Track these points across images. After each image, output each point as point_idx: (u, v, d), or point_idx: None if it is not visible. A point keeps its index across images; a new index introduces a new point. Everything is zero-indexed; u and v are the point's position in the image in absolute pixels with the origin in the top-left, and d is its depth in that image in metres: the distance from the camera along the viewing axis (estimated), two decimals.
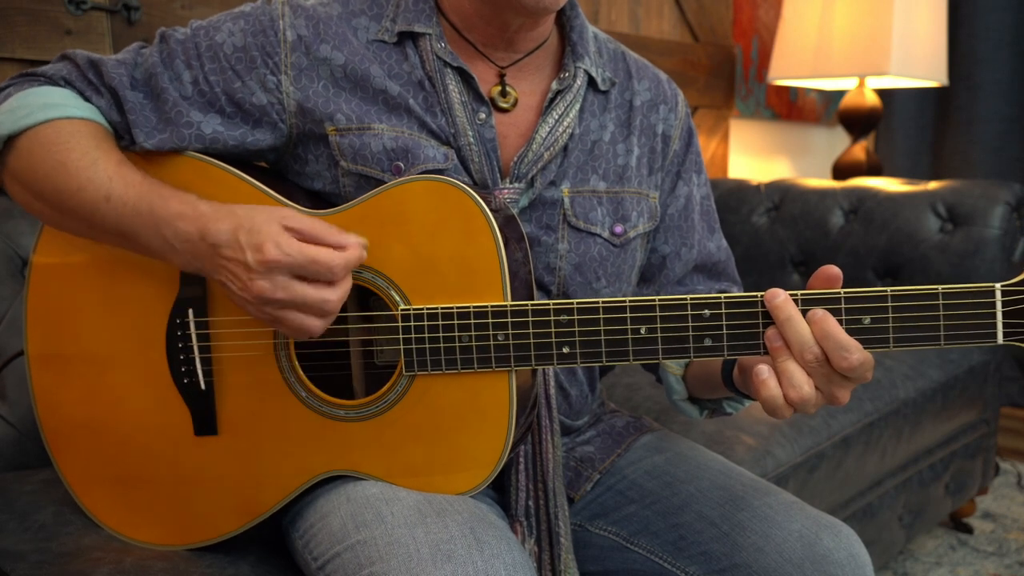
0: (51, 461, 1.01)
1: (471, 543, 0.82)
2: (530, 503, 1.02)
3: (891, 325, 0.81)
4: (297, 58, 0.97)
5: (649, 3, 2.56)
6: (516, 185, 0.99)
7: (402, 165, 0.97)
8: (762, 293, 0.83)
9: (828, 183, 2.40)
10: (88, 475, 1.00)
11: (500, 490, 1.05)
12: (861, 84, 2.66)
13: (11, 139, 0.93)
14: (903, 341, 0.81)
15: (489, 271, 0.88)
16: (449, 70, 0.98)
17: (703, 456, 1.12)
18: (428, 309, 0.88)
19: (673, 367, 1.06)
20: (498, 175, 0.99)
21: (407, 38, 0.99)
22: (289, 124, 0.98)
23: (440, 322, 0.88)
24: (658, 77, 1.13)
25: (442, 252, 0.88)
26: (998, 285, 0.80)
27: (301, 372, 0.93)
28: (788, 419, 1.59)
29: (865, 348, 0.81)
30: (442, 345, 0.88)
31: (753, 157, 3.04)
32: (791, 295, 0.82)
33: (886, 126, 3.30)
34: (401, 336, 0.89)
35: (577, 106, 1.03)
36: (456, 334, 0.88)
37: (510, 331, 0.87)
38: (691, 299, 0.84)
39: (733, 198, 2.47)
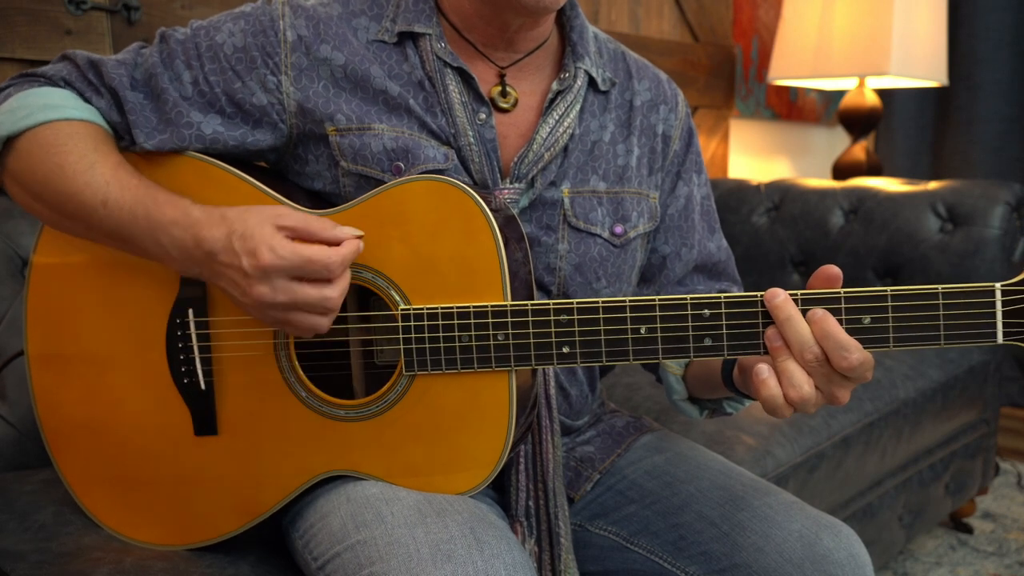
0: (51, 461, 1.01)
1: (471, 543, 0.82)
2: (530, 503, 1.02)
3: (891, 325, 0.81)
4: (297, 58, 0.97)
5: (649, 3, 2.56)
6: (516, 185, 0.99)
7: (402, 165, 0.97)
8: (762, 293, 0.83)
9: (828, 183, 2.40)
10: (88, 475, 1.00)
11: (500, 490, 1.05)
12: (861, 84, 2.66)
13: (10, 140, 0.93)
14: (903, 341, 0.81)
15: (489, 271, 0.88)
16: (449, 70, 0.98)
17: (703, 456, 1.12)
18: (428, 309, 0.88)
19: (673, 367, 1.06)
20: (498, 175, 0.99)
21: (407, 38, 0.99)
22: (289, 124, 0.98)
23: (440, 322, 0.88)
24: (658, 77, 1.13)
25: (442, 252, 0.88)
26: (998, 285, 0.80)
27: (301, 372, 0.93)
28: (788, 419, 1.59)
29: (865, 348, 0.81)
30: (442, 345, 0.88)
31: (753, 157, 3.04)
32: (791, 295, 0.82)
33: (886, 126, 3.30)
34: (401, 336, 0.89)
35: (578, 106, 1.03)
36: (456, 334, 0.88)
37: (510, 331, 0.87)
38: (691, 299, 0.84)
39: (733, 198, 2.47)
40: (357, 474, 0.93)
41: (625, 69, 1.10)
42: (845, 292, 0.82)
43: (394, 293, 0.89)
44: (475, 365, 0.88)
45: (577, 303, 0.86)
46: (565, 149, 1.03)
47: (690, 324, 0.85)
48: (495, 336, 0.87)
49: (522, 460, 1.02)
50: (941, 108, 3.23)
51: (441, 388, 0.90)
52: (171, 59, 0.97)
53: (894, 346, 0.82)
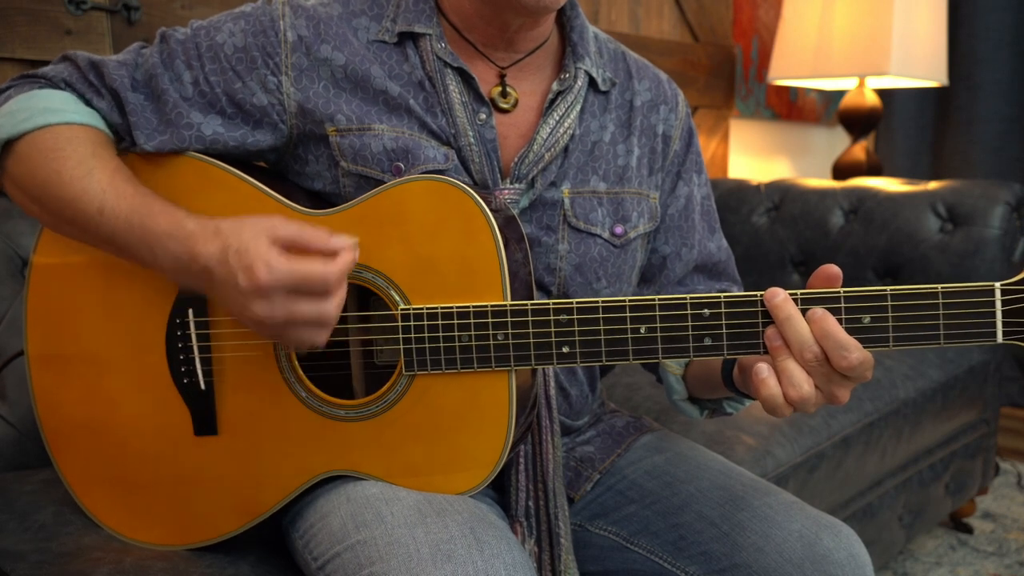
0: (51, 461, 1.01)
1: (471, 543, 0.82)
2: (530, 503, 1.02)
3: (891, 324, 0.81)
4: (298, 59, 0.97)
5: (649, 3, 2.56)
6: (516, 186, 0.99)
7: (402, 165, 0.97)
8: (762, 292, 0.83)
9: (828, 183, 2.40)
10: (88, 475, 1.00)
11: (500, 490, 1.05)
12: (861, 84, 2.66)
13: (10, 143, 0.93)
14: (903, 340, 0.81)
15: (489, 271, 0.88)
16: (449, 70, 0.98)
17: (703, 456, 1.12)
18: (428, 309, 0.88)
19: (673, 367, 1.06)
20: (498, 175, 0.99)
21: (407, 38, 0.99)
22: (290, 125, 0.98)
23: (440, 322, 0.88)
24: (658, 77, 1.13)
25: (442, 252, 0.88)
26: (997, 284, 0.80)
27: (301, 372, 0.93)
28: (788, 419, 1.59)
29: (865, 347, 0.81)
30: (442, 345, 0.88)
31: (753, 157, 3.04)
32: (791, 294, 0.82)
33: (886, 126, 3.30)
34: (401, 336, 0.89)
35: (578, 107, 1.03)
36: (456, 334, 0.88)
37: (510, 331, 0.87)
38: (691, 299, 0.84)
39: (733, 198, 2.47)
40: (357, 474, 0.93)
41: (625, 69, 1.10)
42: (845, 292, 0.82)
43: (394, 293, 0.89)
44: (475, 365, 0.88)
45: (577, 303, 0.86)
46: (565, 149, 1.03)
47: (690, 324, 0.85)
48: (495, 336, 0.87)
49: (522, 460, 1.02)
50: (941, 108, 3.23)
51: (441, 388, 0.90)
52: (171, 59, 0.97)
53: (894, 345, 0.82)
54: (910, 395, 1.87)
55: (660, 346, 0.85)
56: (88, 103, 0.96)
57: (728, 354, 0.85)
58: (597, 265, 1.04)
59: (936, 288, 0.80)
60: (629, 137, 1.08)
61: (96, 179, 0.90)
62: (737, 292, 1.00)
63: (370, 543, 0.84)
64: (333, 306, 0.82)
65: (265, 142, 0.99)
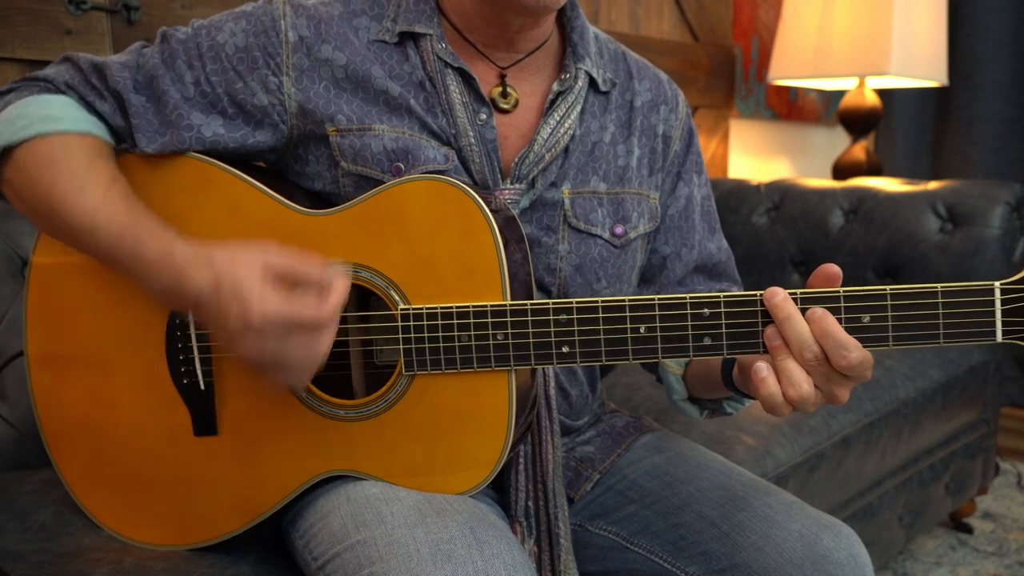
0: (51, 462, 1.01)
1: (471, 543, 0.82)
2: (530, 504, 1.02)
3: (890, 324, 0.81)
4: (299, 59, 0.97)
5: (649, 3, 2.56)
6: (517, 186, 0.99)
7: (402, 166, 0.97)
8: (761, 292, 0.83)
9: (828, 183, 2.40)
10: (88, 476, 1.00)
11: (500, 490, 1.05)
12: (861, 84, 2.66)
13: (8, 150, 0.92)
14: (902, 340, 0.81)
15: (488, 271, 0.88)
16: (450, 71, 0.98)
17: (703, 456, 1.12)
18: (427, 309, 0.88)
19: (673, 367, 1.06)
20: (499, 176, 0.99)
21: (408, 38, 0.99)
22: (290, 125, 0.98)
23: (439, 322, 0.88)
24: (659, 77, 1.13)
25: (441, 252, 0.88)
26: (997, 283, 0.80)
27: None
28: (788, 419, 1.59)
29: (864, 347, 0.81)
30: (441, 345, 0.88)
31: (753, 157, 3.04)
32: (790, 294, 0.82)
33: (886, 126, 3.30)
34: (400, 336, 0.89)
35: (578, 108, 1.03)
36: (456, 334, 0.88)
37: (509, 330, 0.87)
38: (690, 298, 0.84)
39: (733, 198, 2.47)
40: (357, 474, 0.93)
41: (626, 69, 1.10)
42: (844, 291, 0.82)
43: (393, 293, 0.89)
44: (475, 365, 0.88)
45: (576, 303, 0.86)
46: (566, 150, 1.03)
47: (689, 323, 0.84)
48: (495, 336, 0.87)
49: (522, 460, 1.02)
50: (941, 108, 3.23)
51: (441, 388, 0.90)
52: (173, 59, 0.97)
53: (893, 345, 0.82)
54: (910, 395, 1.87)
55: (660, 346, 0.85)
56: (90, 106, 0.96)
57: (728, 353, 0.85)
58: (597, 265, 1.04)
59: (935, 287, 0.80)
60: (629, 137, 1.08)
61: (88, 195, 0.89)
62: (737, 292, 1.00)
63: (370, 543, 0.84)
64: (323, 345, 0.83)
65: (265, 142, 0.99)
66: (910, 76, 2.48)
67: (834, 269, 0.83)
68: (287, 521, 0.99)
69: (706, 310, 0.84)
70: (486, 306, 0.87)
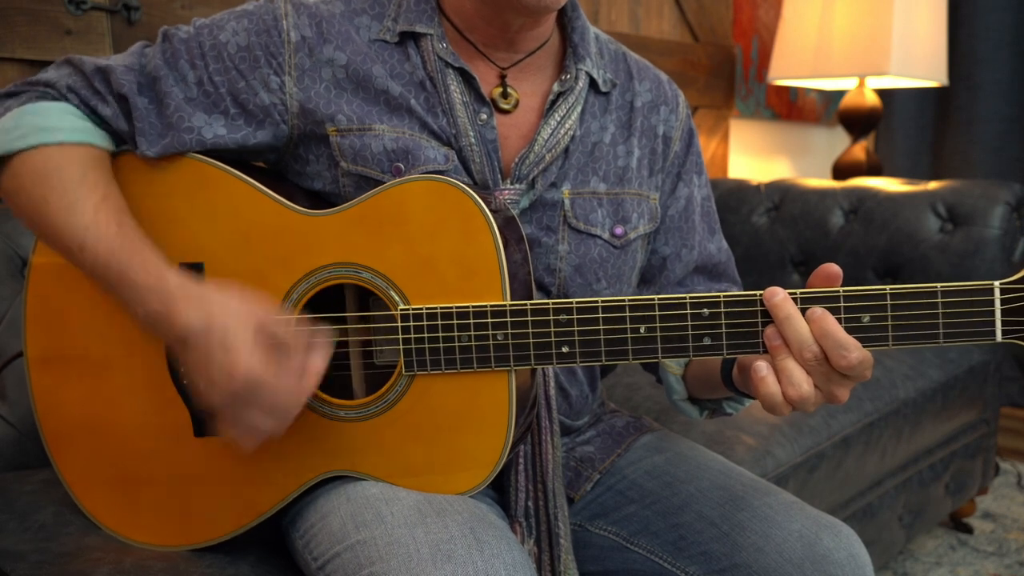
0: (51, 462, 1.01)
1: (471, 543, 0.82)
2: (529, 504, 1.02)
3: (890, 323, 0.81)
4: (300, 59, 0.97)
5: (649, 3, 2.56)
6: (517, 186, 0.99)
7: (402, 166, 0.97)
8: (761, 292, 0.83)
9: (828, 183, 2.40)
10: (88, 476, 1.00)
11: (500, 490, 1.05)
12: (861, 84, 2.66)
13: (5, 159, 0.92)
14: (902, 339, 0.81)
15: (488, 271, 0.88)
16: (451, 70, 0.98)
17: (703, 456, 1.12)
18: (427, 309, 0.88)
19: (673, 367, 1.06)
20: (499, 176, 0.99)
21: (409, 38, 0.99)
22: (291, 125, 0.98)
23: (439, 322, 0.88)
24: (659, 78, 1.13)
25: (441, 252, 0.88)
26: (997, 283, 0.80)
27: None
28: (788, 419, 1.59)
29: (864, 346, 0.81)
30: (441, 345, 0.88)
31: (753, 157, 3.04)
32: (790, 293, 0.82)
33: (886, 126, 3.30)
34: (400, 336, 0.89)
35: (579, 108, 1.03)
36: (456, 334, 0.88)
37: (509, 331, 0.87)
38: (690, 298, 0.84)
39: (733, 198, 2.47)
40: (357, 474, 0.93)
41: (626, 70, 1.10)
42: (844, 291, 0.82)
43: (393, 293, 0.89)
44: (475, 365, 0.88)
45: (576, 303, 0.86)
46: (566, 151, 1.03)
47: (689, 323, 0.84)
48: (494, 336, 0.87)
49: (521, 461, 1.02)
50: (941, 108, 3.23)
51: (441, 388, 0.90)
52: (175, 59, 0.97)
53: (893, 345, 0.82)
54: (910, 395, 1.87)
55: (660, 346, 0.85)
56: (92, 110, 0.96)
57: (727, 353, 0.85)
58: (597, 266, 1.04)
59: (935, 287, 0.80)
60: (629, 138, 1.08)
61: (79, 213, 0.89)
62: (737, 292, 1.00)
63: (370, 543, 0.84)
64: (290, 418, 0.85)
65: (266, 142, 0.99)
66: (910, 76, 2.48)
67: (834, 269, 0.83)
68: (287, 521, 0.99)
69: (706, 310, 0.84)
70: (486, 306, 0.87)
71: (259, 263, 0.93)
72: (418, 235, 0.89)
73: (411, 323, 0.88)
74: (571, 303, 0.86)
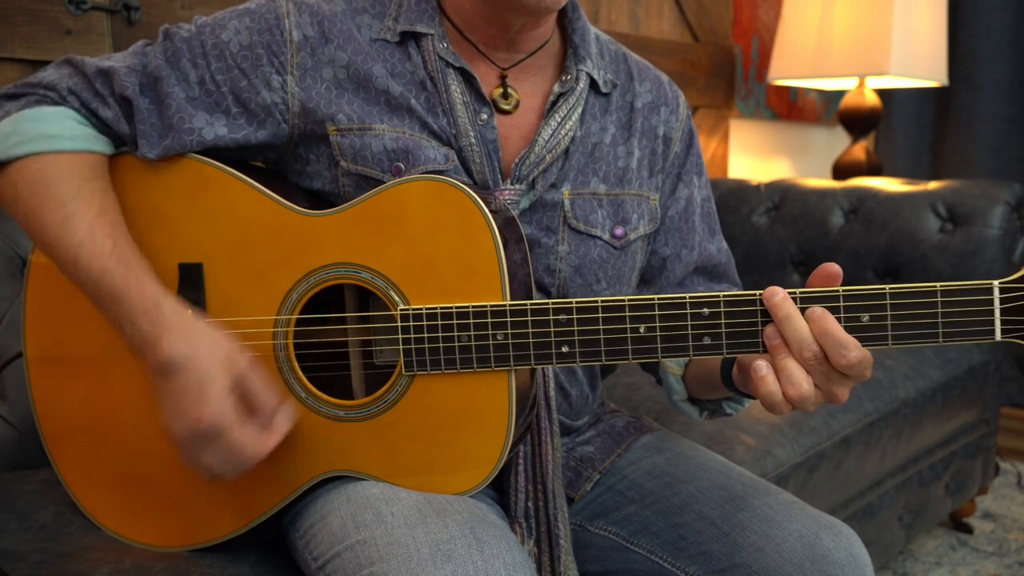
0: (50, 463, 1.01)
1: (471, 543, 0.82)
2: (529, 504, 1.02)
3: (889, 323, 0.81)
4: (303, 58, 0.97)
5: (649, 3, 2.56)
6: (517, 187, 0.99)
7: (402, 166, 0.97)
8: (760, 291, 0.83)
9: (828, 183, 2.40)
10: (88, 477, 1.00)
11: (500, 490, 1.05)
12: (861, 84, 2.66)
13: (4, 164, 0.92)
14: (901, 338, 0.82)
15: (488, 272, 0.88)
16: (451, 70, 0.98)
17: (703, 456, 1.12)
18: (427, 309, 0.88)
19: (673, 367, 1.06)
20: (499, 176, 0.99)
21: (409, 38, 0.99)
22: (291, 124, 0.98)
23: (439, 322, 0.88)
24: (659, 79, 1.13)
25: (441, 252, 0.88)
26: (996, 282, 0.80)
27: (301, 373, 0.93)
28: (788, 419, 1.59)
29: (864, 346, 0.81)
30: (441, 345, 0.88)
31: (753, 157, 3.04)
32: (790, 293, 0.82)
33: (886, 126, 3.30)
34: (400, 336, 0.89)
35: (579, 109, 1.02)
36: (455, 334, 0.88)
37: (509, 330, 0.87)
38: (690, 298, 0.84)
39: (733, 198, 2.47)
40: (357, 474, 0.93)
41: (626, 71, 1.10)
42: (844, 290, 0.82)
43: (393, 293, 0.89)
44: (474, 365, 0.88)
45: (576, 303, 0.86)
46: (566, 151, 1.03)
47: (689, 323, 0.84)
48: (494, 336, 0.87)
49: (521, 461, 1.02)
50: (941, 108, 3.23)
51: (440, 388, 0.90)
52: (177, 58, 0.96)
53: (892, 344, 0.82)
54: (910, 395, 1.87)
55: (659, 345, 0.85)
56: (93, 113, 0.95)
57: (727, 353, 0.85)
58: (597, 267, 1.04)
59: (935, 286, 0.80)
60: (630, 139, 1.08)
61: (74, 227, 0.89)
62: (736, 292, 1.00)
63: (370, 543, 0.84)
64: (245, 471, 0.87)
65: (266, 141, 0.98)
66: (910, 76, 2.48)
67: (834, 268, 0.83)
68: (287, 521, 0.99)
69: (705, 310, 0.84)
70: (486, 306, 0.87)
71: (259, 263, 0.93)
72: (418, 235, 0.89)
73: (411, 323, 0.88)
74: (571, 303, 0.86)
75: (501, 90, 1.01)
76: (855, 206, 2.27)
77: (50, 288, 0.98)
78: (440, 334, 0.88)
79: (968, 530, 2.35)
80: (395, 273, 0.89)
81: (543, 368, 1.01)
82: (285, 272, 0.92)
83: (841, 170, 2.71)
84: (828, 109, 3.25)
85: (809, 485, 1.59)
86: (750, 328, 0.84)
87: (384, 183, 0.91)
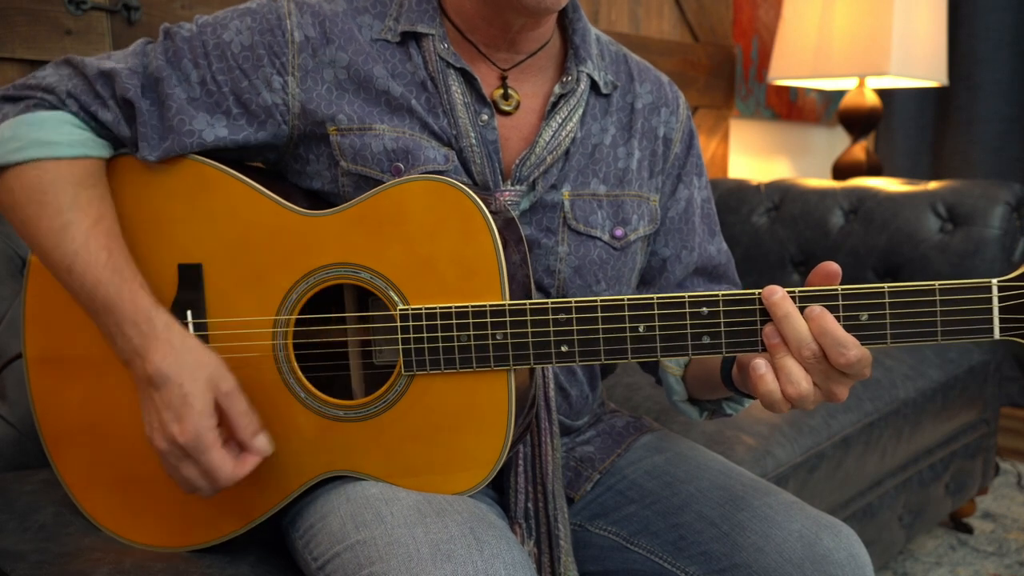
0: (50, 464, 1.01)
1: (471, 543, 0.82)
2: (529, 505, 1.01)
3: (888, 321, 0.81)
4: (304, 60, 0.96)
5: (649, 3, 2.56)
6: (517, 188, 0.99)
7: (402, 166, 0.96)
8: (760, 290, 0.83)
9: (828, 183, 2.40)
10: (87, 478, 1.00)
11: (500, 491, 1.05)
12: (861, 84, 2.66)
13: (2, 170, 0.92)
14: (900, 337, 0.82)
15: (487, 272, 0.88)
16: (452, 71, 0.98)
17: (703, 456, 1.12)
18: (427, 309, 0.88)
19: (673, 368, 1.06)
20: (499, 177, 0.99)
21: (410, 38, 0.99)
22: (291, 126, 0.98)
23: (439, 322, 0.88)
24: (660, 80, 1.13)
25: (440, 252, 0.88)
26: (994, 281, 0.80)
27: (300, 373, 0.93)
28: (788, 419, 1.59)
29: (863, 344, 0.81)
30: (440, 345, 0.88)
31: (753, 157, 3.04)
32: (789, 292, 0.82)
33: (886, 126, 3.30)
34: (400, 336, 0.89)
35: (580, 110, 1.02)
36: (455, 334, 0.88)
37: (508, 330, 0.87)
38: (689, 297, 0.84)
39: (733, 198, 2.47)
40: (357, 474, 0.93)
41: (627, 72, 1.10)
42: (843, 289, 0.82)
43: (392, 293, 0.89)
44: (474, 365, 0.88)
45: (575, 302, 0.86)
46: (566, 153, 1.03)
47: (688, 322, 0.85)
48: (494, 336, 0.87)
49: (521, 462, 1.02)
50: (941, 108, 3.23)
51: (440, 388, 0.90)
52: (178, 58, 0.96)
53: (891, 342, 0.82)
54: (910, 395, 1.87)
55: (659, 344, 0.85)
56: (92, 116, 0.95)
57: (727, 352, 0.85)
58: (597, 267, 1.04)
59: (933, 285, 0.80)
60: (630, 140, 1.08)
61: (70, 236, 0.89)
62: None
63: (370, 543, 0.84)
64: (214, 492, 0.88)
65: (266, 142, 0.98)
66: (910, 76, 2.48)
67: (833, 267, 0.83)
68: (287, 521, 0.99)
69: (705, 309, 0.84)
70: (485, 306, 0.87)
71: (258, 264, 0.93)
72: (417, 235, 0.89)
73: (410, 323, 0.88)
74: (569, 302, 0.86)
75: (502, 91, 1.01)
76: (855, 206, 2.27)
77: (50, 289, 0.98)
78: (439, 334, 0.88)
79: (968, 530, 2.35)
80: (394, 273, 0.89)
81: (543, 368, 1.01)
82: (284, 272, 0.92)
83: (841, 170, 2.71)
84: (828, 109, 3.25)
85: (809, 485, 1.59)
86: (749, 327, 0.84)
87: (383, 183, 0.91)
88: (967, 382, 2.08)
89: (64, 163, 0.92)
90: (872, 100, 2.65)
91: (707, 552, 0.99)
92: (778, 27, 2.64)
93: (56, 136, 0.92)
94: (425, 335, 0.88)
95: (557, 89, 1.01)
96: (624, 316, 0.85)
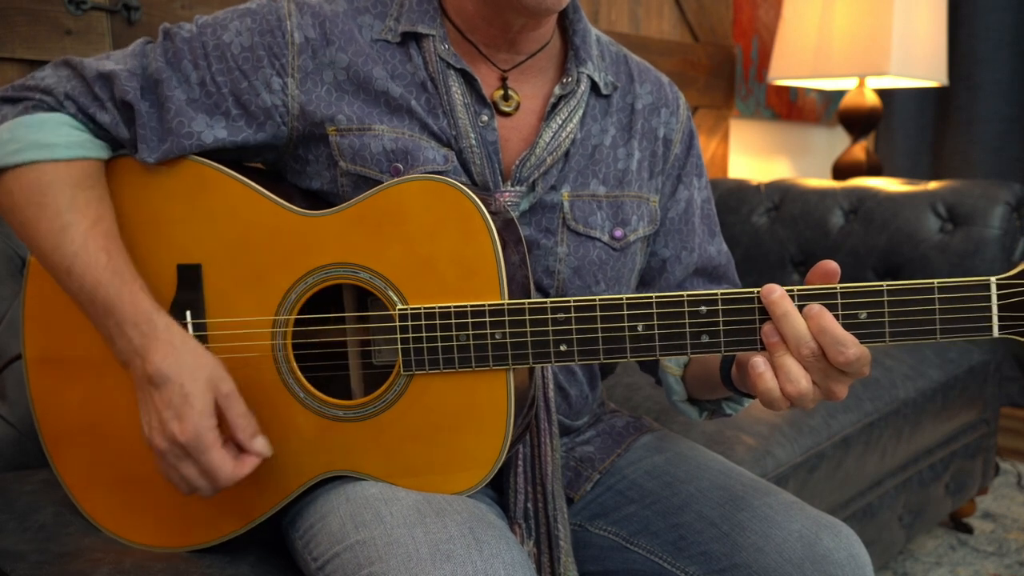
0: (50, 464, 1.01)
1: (470, 543, 0.82)
2: (528, 505, 1.01)
3: (887, 320, 0.81)
4: (304, 61, 0.96)
5: (649, 3, 2.56)
6: (517, 188, 0.99)
7: (401, 166, 0.96)
8: (758, 289, 0.83)
9: (828, 183, 2.40)
10: (87, 478, 1.00)
11: (499, 491, 1.04)
12: (861, 84, 2.66)
13: (1, 172, 0.92)
14: (899, 335, 0.82)
15: (486, 272, 0.88)
16: (452, 72, 0.98)
17: (703, 456, 1.12)
18: (426, 309, 0.88)
19: (672, 368, 1.06)
20: (499, 178, 0.99)
21: (411, 39, 0.99)
22: (291, 127, 0.98)
23: (438, 322, 0.88)
24: (660, 80, 1.13)
25: (440, 252, 0.88)
26: (993, 279, 0.80)
27: (299, 373, 0.93)
28: (788, 419, 1.59)
29: (862, 343, 0.81)
30: (440, 344, 0.88)
31: (753, 157, 3.04)
32: (787, 290, 0.82)
33: (886, 126, 3.30)
34: (399, 336, 0.89)
35: (580, 111, 1.02)
36: (454, 333, 0.88)
37: (507, 330, 0.87)
38: (688, 296, 0.84)
39: (733, 198, 2.47)
40: (356, 474, 0.93)
41: (627, 72, 1.10)
42: (841, 287, 0.82)
43: (392, 293, 0.89)
44: (473, 364, 0.88)
45: (574, 301, 0.86)
46: (566, 154, 1.03)
47: (687, 321, 0.85)
48: (492, 335, 0.87)
49: (520, 462, 1.02)
50: (941, 108, 3.23)
51: (439, 388, 0.90)
52: (178, 59, 0.96)
53: (890, 341, 0.82)
54: (910, 395, 1.87)
55: (658, 344, 0.85)
56: (91, 118, 0.95)
57: (726, 351, 0.85)
58: (596, 268, 1.04)
59: (932, 283, 0.80)
60: (630, 140, 1.08)
61: (69, 238, 0.89)
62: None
63: (369, 543, 0.84)
64: (213, 492, 0.88)
65: (265, 143, 0.98)
66: (910, 76, 2.48)
67: (832, 265, 0.83)
68: (287, 521, 0.99)
69: (703, 308, 0.84)
70: (484, 306, 0.87)
71: (257, 264, 0.93)
72: (416, 235, 0.89)
73: (409, 323, 0.88)
74: (568, 302, 0.86)
75: (502, 92, 1.01)
76: (855, 206, 2.27)
77: (49, 289, 0.98)
78: (438, 334, 0.88)
79: (968, 530, 2.35)
80: (393, 273, 0.89)
81: (542, 368, 1.01)
82: (284, 272, 0.92)
83: (841, 170, 2.71)
84: (828, 109, 3.25)
85: (809, 485, 1.59)
86: (748, 326, 0.84)
87: (383, 183, 0.91)
88: (967, 382, 2.08)
89: (62, 165, 0.92)
90: (872, 100, 2.65)
91: (707, 552, 0.99)
92: (778, 27, 2.64)
93: (54, 138, 0.92)
94: (424, 335, 0.88)
95: (557, 90, 1.01)
96: (623, 315, 0.85)
